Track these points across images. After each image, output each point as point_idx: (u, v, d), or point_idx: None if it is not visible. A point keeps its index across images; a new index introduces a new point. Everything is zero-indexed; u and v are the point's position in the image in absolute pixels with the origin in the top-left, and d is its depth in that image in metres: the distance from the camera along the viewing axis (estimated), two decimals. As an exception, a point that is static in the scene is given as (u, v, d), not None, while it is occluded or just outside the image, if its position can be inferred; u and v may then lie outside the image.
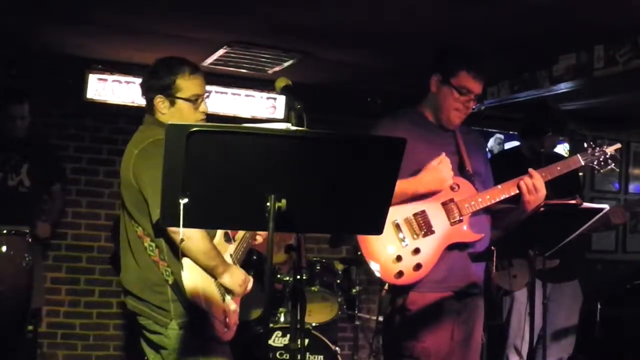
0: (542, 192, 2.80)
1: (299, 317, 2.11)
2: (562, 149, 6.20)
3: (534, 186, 2.79)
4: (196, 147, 1.74)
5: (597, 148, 3.00)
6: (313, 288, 4.57)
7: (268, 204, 1.81)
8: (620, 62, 3.93)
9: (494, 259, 2.71)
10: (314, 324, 4.47)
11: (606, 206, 2.73)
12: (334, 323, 5.04)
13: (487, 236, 2.93)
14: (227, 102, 5.45)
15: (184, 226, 1.83)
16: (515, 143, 6.28)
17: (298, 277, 2.16)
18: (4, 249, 3.97)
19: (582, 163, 2.97)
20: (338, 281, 4.81)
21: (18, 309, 4.11)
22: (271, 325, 4.25)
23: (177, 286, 2.62)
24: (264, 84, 5.41)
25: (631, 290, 5.77)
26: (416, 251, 2.79)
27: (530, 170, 2.83)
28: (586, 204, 2.68)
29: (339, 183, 1.90)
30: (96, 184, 5.38)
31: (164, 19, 4.02)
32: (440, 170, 2.79)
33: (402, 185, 2.60)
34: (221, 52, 4.61)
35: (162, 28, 4.22)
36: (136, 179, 2.62)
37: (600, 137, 6.37)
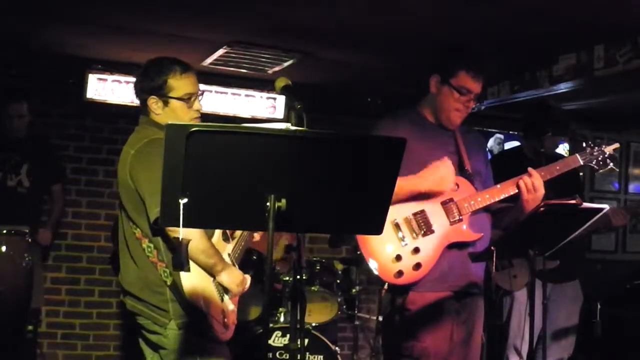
0: (541, 191, 2.80)
1: (299, 317, 2.11)
2: (562, 149, 6.19)
3: (533, 185, 2.80)
4: (196, 147, 1.74)
5: (596, 148, 3.00)
6: (313, 288, 4.57)
7: (268, 204, 1.81)
8: (620, 62, 3.93)
9: (494, 258, 2.71)
10: (313, 324, 4.47)
11: (606, 206, 2.73)
12: (334, 323, 5.04)
13: (487, 235, 2.93)
14: (227, 102, 5.44)
15: (183, 226, 1.83)
16: (515, 143, 6.29)
17: (298, 277, 2.16)
18: (3, 249, 3.97)
19: (581, 162, 2.97)
20: (338, 281, 4.80)
21: (18, 309, 4.11)
22: (271, 325, 4.25)
23: (176, 287, 2.61)
24: (264, 84, 5.41)
25: (631, 290, 5.77)
26: (416, 251, 2.79)
27: (530, 169, 2.83)
28: (586, 204, 2.68)
29: (339, 183, 1.90)
30: (96, 184, 5.38)
31: (164, 19, 4.02)
32: (441, 171, 2.79)
33: (402, 183, 2.60)
34: (221, 52, 4.61)
35: (162, 28, 4.22)
36: (133, 179, 2.62)
37: (600, 137, 6.39)
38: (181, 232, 1.87)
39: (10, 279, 4.00)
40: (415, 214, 2.83)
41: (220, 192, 1.85)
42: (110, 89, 5.15)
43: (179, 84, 2.69)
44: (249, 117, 5.50)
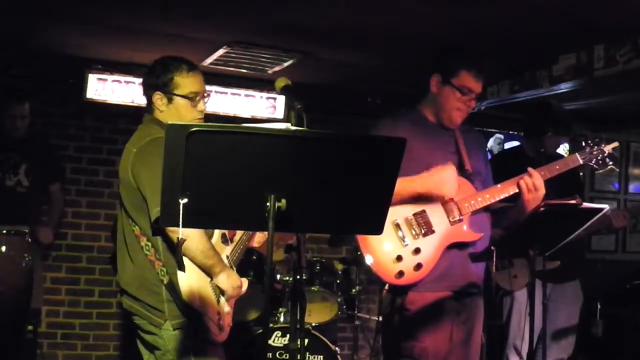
0: (542, 191, 2.80)
1: (298, 317, 2.11)
2: (562, 149, 6.19)
3: (533, 185, 2.80)
4: (196, 147, 1.74)
5: (595, 147, 3.01)
6: (313, 288, 4.57)
7: (268, 204, 1.81)
8: (620, 62, 3.93)
9: (494, 258, 2.71)
10: (313, 324, 4.47)
11: (606, 206, 2.73)
12: (334, 323, 5.04)
13: (487, 235, 2.93)
14: (227, 102, 5.45)
15: (183, 226, 1.83)
16: (515, 143, 6.29)
17: (298, 277, 2.16)
18: (3, 249, 3.97)
19: (581, 162, 2.97)
20: (338, 281, 4.80)
21: (18, 309, 4.11)
22: (271, 325, 4.25)
23: (172, 286, 2.61)
24: (263, 84, 5.41)
25: (631, 290, 5.77)
26: (416, 251, 2.79)
27: (530, 169, 2.83)
28: (586, 204, 2.68)
29: (339, 183, 1.90)
30: (96, 184, 5.38)
31: (164, 19, 4.02)
32: (444, 175, 2.78)
33: (402, 184, 2.61)
34: (221, 52, 4.61)
35: (162, 28, 4.22)
36: (135, 178, 2.62)
37: (600, 137, 6.38)
38: (180, 232, 1.87)
39: (10, 279, 4.00)
40: (415, 214, 2.83)
41: (220, 192, 1.85)
42: (110, 89, 5.15)
43: (185, 82, 2.70)
44: (249, 117, 5.50)
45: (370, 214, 1.98)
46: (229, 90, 5.44)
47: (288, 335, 4.00)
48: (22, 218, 4.26)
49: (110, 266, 5.26)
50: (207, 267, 2.66)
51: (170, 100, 2.71)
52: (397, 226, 2.80)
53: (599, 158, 2.99)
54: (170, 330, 2.64)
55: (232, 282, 2.74)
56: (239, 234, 2.96)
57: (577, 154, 2.99)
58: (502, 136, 6.47)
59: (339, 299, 4.68)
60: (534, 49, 4.27)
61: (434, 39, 3.85)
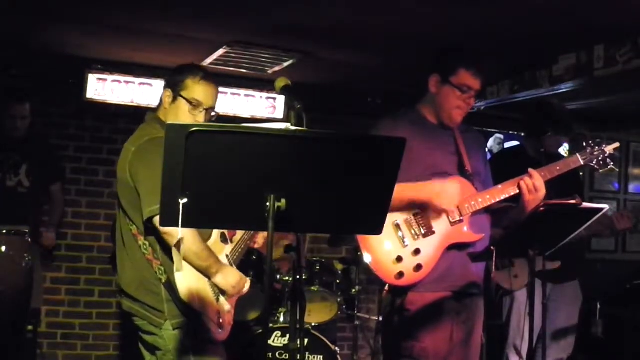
0: (542, 191, 2.80)
1: (298, 317, 2.11)
2: (562, 149, 6.19)
3: (534, 186, 2.80)
4: (196, 147, 1.74)
5: (596, 147, 3.00)
6: (313, 288, 4.57)
7: (268, 204, 1.81)
8: (620, 62, 3.93)
9: (494, 258, 2.71)
10: (313, 324, 4.47)
11: (606, 206, 2.73)
12: (334, 323, 5.04)
13: (488, 236, 2.93)
14: (226, 102, 5.44)
15: (183, 226, 1.83)
16: (515, 143, 6.29)
17: (298, 277, 2.16)
18: (3, 249, 3.97)
19: (582, 162, 2.97)
20: (338, 281, 4.80)
21: (18, 309, 4.11)
22: (271, 325, 4.25)
23: (170, 285, 2.62)
24: (263, 84, 5.41)
25: (631, 290, 5.77)
26: (416, 252, 2.79)
27: (530, 170, 2.83)
28: (586, 204, 2.68)
29: (339, 183, 1.90)
30: (96, 184, 5.38)
31: (164, 19, 4.02)
32: (447, 187, 2.79)
33: (401, 189, 2.61)
34: (221, 52, 4.61)
35: (162, 28, 4.22)
36: (132, 176, 2.63)
37: (600, 137, 6.38)
38: (180, 232, 1.87)
39: (10, 279, 4.00)
40: (415, 215, 2.83)
41: (220, 192, 1.85)
42: (110, 89, 5.16)
43: (193, 87, 2.73)
44: (249, 117, 5.50)
45: (370, 214, 1.98)
46: (229, 90, 5.44)
47: (288, 335, 4.00)
48: (23, 218, 4.26)
49: (110, 266, 5.26)
50: (202, 269, 2.67)
51: (174, 100, 2.75)
52: (397, 227, 2.80)
53: (599, 159, 2.99)
54: (170, 330, 2.64)
55: (230, 281, 2.74)
56: (239, 233, 2.96)
57: (577, 154, 2.99)
58: (502, 136, 6.47)
59: (338, 299, 4.68)
60: (534, 49, 4.27)
61: (434, 39, 3.85)
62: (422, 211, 2.83)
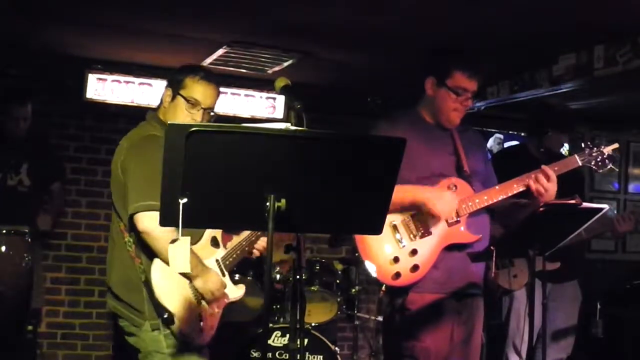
0: (553, 189, 2.80)
1: (298, 317, 2.11)
2: (563, 148, 6.19)
3: (544, 188, 2.80)
4: (196, 147, 1.74)
5: (595, 148, 3.00)
6: (313, 288, 4.57)
7: (268, 204, 1.81)
8: (620, 62, 3.93)
9: (494, 258, 2.71)
10: (313, 324, 4.47)
11: (606, 206, 2.73)
12: (334, 323, 5.04)
13: (486, 236, 2.93)
14: (226, 102, 5.44)
15: (183, 226, 1.83)
16: (515, 143, 6.29)
17: (298, 277, 2.16)
18: (3, 249, 3.98)
19: (580, 163, 2.97)
20: (337, 281, 4.80)
21: (18, 309, 4.11)
22: (271, 325, 4.25)
23: (148, 285, 2.59)
24: (263, 84, 5.41)
25: (631, 290, 5.77)
26: (413, 252, 2.79)
27: (542, 171, 2.82)
28: (585, 204, 2.68)
29: (339, 183, 1.90)
30: (96, 184, 5.38)
31: (164, 19, 4.01)
32: (445, 196, 2.79)
33: (399, 191, 2.62)
34: (221, 52, 4.61)
35: (162, 28, 4.22)
36: (123, 171, 2.64)
37: (600, 137, 6.38)
38: (180, 232, 1.87)
39: (10, 279, 4.01)
40: (412, 216, 2.83)
41: (220, 192, 1.85)
42: (110, 89, 5.15)
43: (192, 86, 2.73)
44: (249, 117, 5.50)
45: (370, 214, 1.98)
46: (229, 90, 5.44)
47: (288, 335, 4.00)
48: (24, 218, 4.26)
49: (110, 266, 5.26)
50: None
51: (174, 98, 2.75)
52: (394, 227, 2.81)
53: (598, 159, 2.99)
54: (149, 331, 2.61)
55: (210, 286, 2.67)
56: (235, 240, 2.91)
57: (576, 155, 2.99)
58: (502, 136, 6.47)
59: (338, 299, 4.68)
60: (534, 49, 4.27)
61: (434, 39, 3.85)
62: (419, 212, 2.83)
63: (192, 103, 2.71)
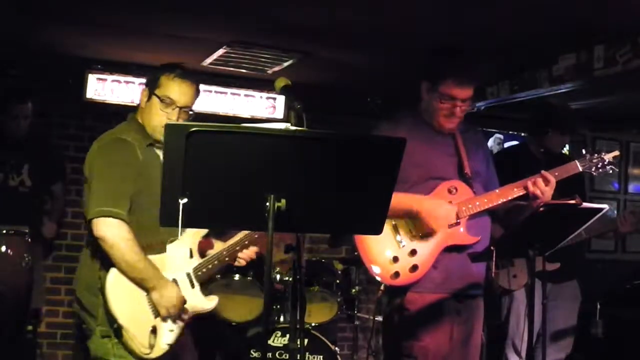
0: (549, 194, 2.81)
1: (298, 317, 2.11)
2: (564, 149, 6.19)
3: (541, 192, 2.80)
4: (196, 147, 1.74)
5: (596, 155, 3.01)
6: (313, 288, 4.57)
7: (268, 204, 1.81)
8: (620, 62, 3.93)
9: (494, 258, 2.71)
10: (313, 324, 4.47)
11: (605, 206, 2.73)
12: (334, 323, 5.03)
13: (486, 238, 2.93)
14: (226, 102, 5.44)
15: (183, 226, 1.82)
16: (515, 143, 6.28)
17: (298, 277, 2.15)
18: (3, 249, 3.97)
19: (580, 169, 2.98)
20: (337, 281, 4.80)
21: (18, 309, 4.11)
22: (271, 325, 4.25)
23: (103, 291, 2.51)
24: (263, 84, 5.41)
25: (631, 290, 5.77)
26: (413, 253, 2.80)
27: (544, 173, 2.83)
28: (585, 204, 2.68)
29: (339, 183, 1.90)
30: (96, 183, 5.37)
31: (164, 19, 4.01)
32: (439, 204, 2.79)
33: (398, 197, 2.62)
34: (221, 52, 4.61)
35: (162, 28, 4.22)
36: (89, 172, 2.61)
37: (600, 137, 6.38)
38: (179, 232, 1.86)
39: (10, 279, 4.00)
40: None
41: (220, 192, 1.85)
42: (110, 89, 5.16)
43: (167, 84, 2.67)
44: (249, 117, 5.50)
45: (370, 213, 1.98)
46: (229, 90, 5.44)
47: (288, 335, 4.00)
48: (24, 218, 4.26)
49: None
50: (136, 281, 2.52)
51: (149, 98, 2.70)
52: (395, 227, 2.81)
53: (598, 166, 3.00)
54: (99, 337, 2.54)
55: (164, 302, 2.54)
56: (216, 249, 2.80)
57: (576, 161, 3.00)
58: (502, 136, 6.47)
59: (338, 299, 4.68)
60: (534, 49, 4.27)
61: (434, 39, 3.85)
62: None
63: (167, 102, 2.65)
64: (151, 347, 2.53)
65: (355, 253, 3.07)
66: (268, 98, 5.59)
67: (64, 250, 5.28)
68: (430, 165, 2.87)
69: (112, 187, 2.53)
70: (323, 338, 4.26)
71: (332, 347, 4.28)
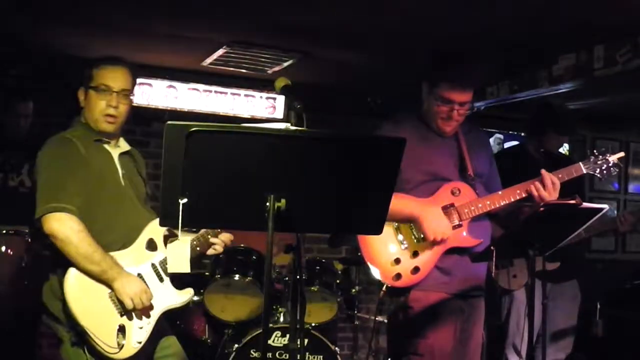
0: (554, 196, 2.81)
1: (298, 317, 2.11)
2: (562, 149, 6.19)
3: (540, 197, 2.80)
4: (196, 147, 1.74)
5: (600, 156, 3.00)
6: (313, 288, 4.57)
7: (268, 204, 1.81)
8: (620, 62, 3.93)
9: (494, 258, 2.71)
10: (313, 324, 4.47)
11: (605, 206, 2.74)
12: (334, 323, 5.03)
13: (487, 241, 2.93)
14: (226, 102, 5.43)
15: (183, 226, 1.82)
16: (515, 143, 6.29)
17: (298, 277, 2.15)
18: (3, 249, 3.97)
19: (584, 171, 2.98)
20: (338, 281, 4.80)
21: (18, 309, 4.10)
22: (271, 325, 4.25)
23: (62, 291, 2.44)
24: (263, 84, 5.41)
25: (631, 290, 5.77)
26: (415, 254, 2.80)
27: (544, 172, 2.82)
28: (585, 204, 2.68)
29: (339, 183, 1.90)
30: (96, 183, 5.37)
31: (164, 19, 4.01)
32: (436, 214, 2.79)
33: (401, 201, 2.63)
34: (221, 52, 4.60)
35: (162, 28, 4.22)
36: (35, 173, 2.60)
37: (600, 137, 6.38)
38: (179, 231, 1.86)
39: (10, 279, 4.00)
40: (414, 218, 2.83)
41: (220, 192, 1.85)
42: (110, 89, 5.15)
43: (98, 74, 2.67)
44: (249, 117, 5.50)
45: (370, 213, 1.98)
46: (229, 90, 5.44)
47: (288, 335, 4.00)
48: (24, 218, 4.25)
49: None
50: (95, 274, 2.44)
51: (86, 95, 2.70)
52: (397, 229, 2.82)
53: (603, 168, 2.99)
54: (69, 345, 2.46)
55: (128, 290, 2.46)
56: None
57: (581, 163, 3.00)
58: (502, 136, 6.47)
59: (338, 299, 4.68)
60: (534, 49, 4.27)
61: (434, 39, 3.85)
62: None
63: (102, 89, 2.63)
64: (120, 346, 2.45)
65: (358, 253, 3.07)
66: (268, 98, 5.59)
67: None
68: (433, 165, 2.87)
69: (56, 181, 2.49)
70: (323, 338, 4.26)
71: (332, 347, 4.28)
